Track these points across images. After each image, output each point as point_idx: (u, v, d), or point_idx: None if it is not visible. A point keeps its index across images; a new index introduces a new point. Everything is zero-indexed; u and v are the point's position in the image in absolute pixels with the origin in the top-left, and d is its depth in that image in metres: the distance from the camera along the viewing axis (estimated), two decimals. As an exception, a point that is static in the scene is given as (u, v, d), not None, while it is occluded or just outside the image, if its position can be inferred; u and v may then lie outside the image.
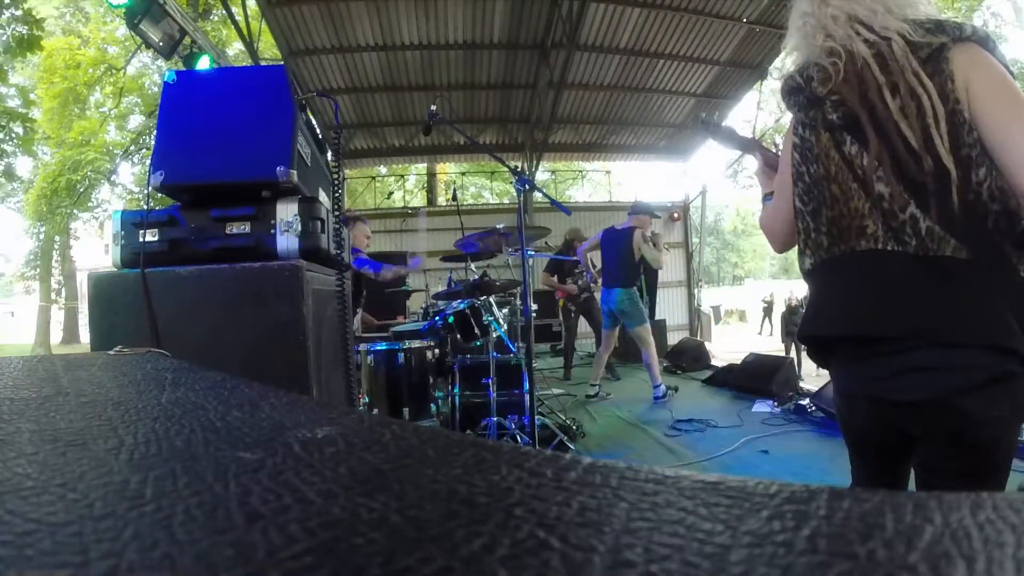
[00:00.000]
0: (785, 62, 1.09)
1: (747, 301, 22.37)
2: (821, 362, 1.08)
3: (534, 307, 3.12)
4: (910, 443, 0.97)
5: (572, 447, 3.11)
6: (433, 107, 2.62)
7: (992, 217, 0.83)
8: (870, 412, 0.97)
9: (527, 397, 2.75)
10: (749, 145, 1.38)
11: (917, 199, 0.86)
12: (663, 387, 4.36)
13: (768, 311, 21.22)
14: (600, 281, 4.85)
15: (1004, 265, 0.84)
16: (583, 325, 6.04)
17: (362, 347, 2.87)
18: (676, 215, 11.07)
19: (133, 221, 1.36)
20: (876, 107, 0.88)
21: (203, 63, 4.78)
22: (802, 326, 1.04)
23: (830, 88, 0.93)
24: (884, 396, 0.92)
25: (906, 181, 0.86)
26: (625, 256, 4.40)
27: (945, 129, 0.83)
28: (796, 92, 1.00)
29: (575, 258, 5.55)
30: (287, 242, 1.35)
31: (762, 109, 10.37)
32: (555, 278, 5.69)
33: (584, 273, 5.59)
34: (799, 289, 14.31)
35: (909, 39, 0.88)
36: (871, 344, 0.91)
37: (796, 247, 1.08)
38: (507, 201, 15.53)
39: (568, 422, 3.44)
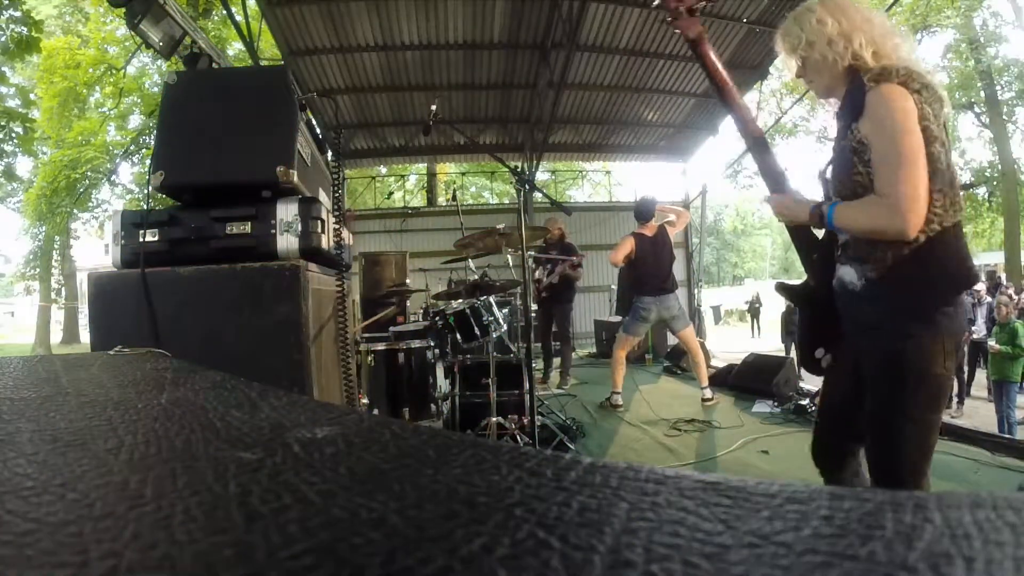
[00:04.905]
0: (895, 55, 1.29)
1: (747, 301, 22.33)
2: (959, 301, 1.26)
3: (534, 307, 3.12)
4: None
5: (572, 447, 3.11)
6: (433, 107, 2.62)
7: None
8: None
9: (527, 397, 2.75)
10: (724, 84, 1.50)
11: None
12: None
13: (755, 313, 20.29)
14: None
15: None
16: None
17: (362, 347, 2.87)
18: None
19: (133, 221, 1.36)
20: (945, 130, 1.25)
21: (203, 63, 4.77)
22: (961, 278, 1.25)
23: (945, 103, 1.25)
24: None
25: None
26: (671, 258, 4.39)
27: None
28: (928, 87, 1.22)
29: (540, 255, 5.41)
30: (287, 242, 1.35)
31: (762, 109, 10.38)
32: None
33: (553, 268, 5.41)
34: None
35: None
36: None
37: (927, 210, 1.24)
38: (507, 201, 15.51)
39: (568, 422, 3.44)
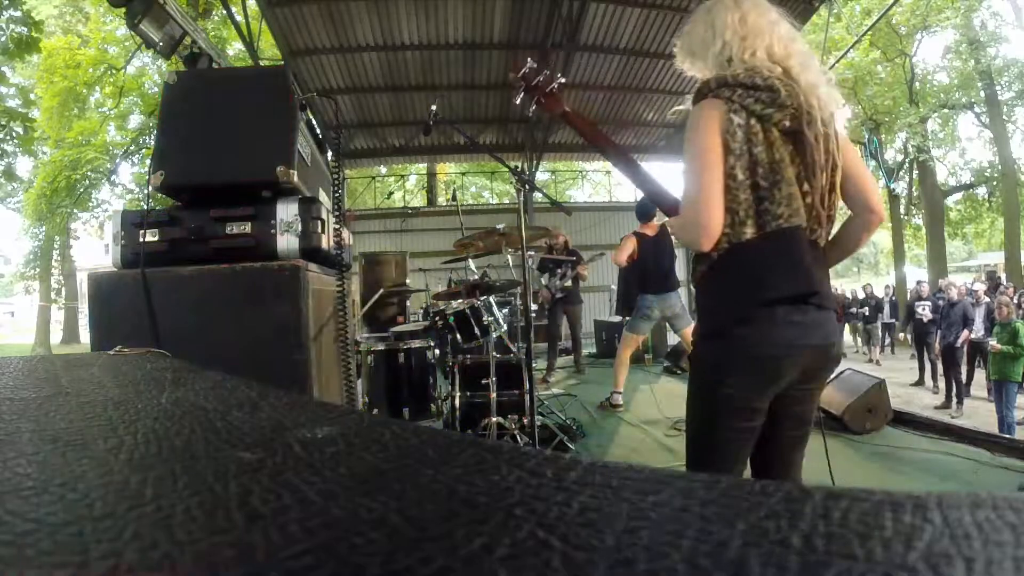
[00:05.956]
0: (733, 52, 1.26)
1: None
2: (755, 318, 1.17)
3: (534, 307, 3.11)
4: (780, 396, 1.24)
5: (572, 447, 3.11)
6: (433, 107, 2.62)
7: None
8: (797, 360, 1.18)
9: (527, 397, 2.75)
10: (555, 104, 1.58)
11: (823, 200, 1.20)
12: None
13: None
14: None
15: None
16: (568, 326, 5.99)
17: (362, 347, 2.87)
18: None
19: (133, 221, 1.36)
20: (817, 135, 1.19)
21: (203, 63, 4.77)
22: (765, 288, 1.16)
23: (791, 104, 1.19)
24: (813, 343, 1.18)
25: (817, 187, 1.20)
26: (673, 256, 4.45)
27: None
28: (756, 89, 1.19)
29: (548, 256, 5.47)
30: (287, 242, 1.35)
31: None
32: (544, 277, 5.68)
33: (565, 272, 5.49)
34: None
35: (822, 96, 1.21)
36: (807, 301, 1.17)
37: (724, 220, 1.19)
38: (507, 201, 15.51)
39: (568, 422, 3.44)
